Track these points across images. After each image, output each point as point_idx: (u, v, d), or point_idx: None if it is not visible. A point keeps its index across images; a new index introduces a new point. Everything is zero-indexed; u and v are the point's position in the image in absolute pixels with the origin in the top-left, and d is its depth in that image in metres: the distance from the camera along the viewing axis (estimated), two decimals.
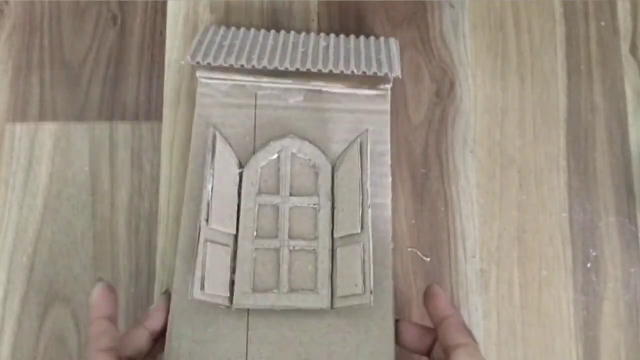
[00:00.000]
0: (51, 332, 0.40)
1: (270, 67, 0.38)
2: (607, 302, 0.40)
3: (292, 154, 0.38)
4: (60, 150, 0.43)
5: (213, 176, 0.36)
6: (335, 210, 0.37)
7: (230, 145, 0.38)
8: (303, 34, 0.41)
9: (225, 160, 0.37)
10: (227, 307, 0.35)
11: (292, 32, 0.42)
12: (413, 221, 0.41)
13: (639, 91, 0.44)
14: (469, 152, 0.42)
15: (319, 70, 0.38)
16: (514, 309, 0.40)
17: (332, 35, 0.42)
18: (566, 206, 0.42)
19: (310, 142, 0.38)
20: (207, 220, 0.35)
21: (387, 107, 0.40)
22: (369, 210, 0.35)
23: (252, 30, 0.42)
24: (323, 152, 0.38)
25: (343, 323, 0.35)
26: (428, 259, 0.41)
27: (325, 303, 0.35)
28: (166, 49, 0.44)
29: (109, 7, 0.45)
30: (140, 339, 0.33)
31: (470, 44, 0.44)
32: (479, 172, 0.42)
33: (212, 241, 0.35)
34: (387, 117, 0.39)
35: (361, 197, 0.35)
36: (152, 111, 0.43)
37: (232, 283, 0.35)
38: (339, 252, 0.36)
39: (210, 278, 0.33)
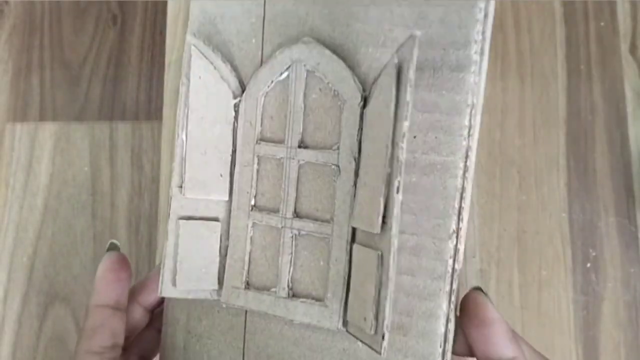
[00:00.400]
0: (51, 332, 0.40)
1: None
2: (606, 302, 0.40)
3: (308, 72, 0.24)
4: (60, 150, 0.43)
5: (188, 115, 0.24)
6: (358, 180, 0.23)
7: (227, 58, 0.25)
8: None
9: (208, 87, 0.24)
10: (216, 299, 0.26)
11: None
12: None
13: (639, 91, 0.44)
14: None
15: None
16: (514, 309, 0.40)
17: None
18: (566, 206, 0.42)
19: (339, 48, 0.23)
20: (180, 185, 0.24)
21: None
22: (398, 196, 0.20)
23: None
24: (356, 68, 0.23)
25: (363, 352, 0.24)
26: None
27: (335, 322, 0.23)
28: (166, 49, 0.44)
29: (109, 7, 0.45)
30: (134, 316, 0.27)
31: None
32: (479, 173, 0.42)
33: (189, 217, 0.25)
34: (491, 6, 0.23)
35: (389, 169, 0.21)
36: (152, 111, 0.43)
37: (223, 269, 0.25)
38: (355, 252, 0.23)
39: (185, 269, 0.24)
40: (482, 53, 0.21)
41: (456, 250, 0.22)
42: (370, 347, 0.21)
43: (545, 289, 0.41)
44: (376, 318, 0.21)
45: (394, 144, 0.20)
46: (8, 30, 0.45)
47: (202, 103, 0.24)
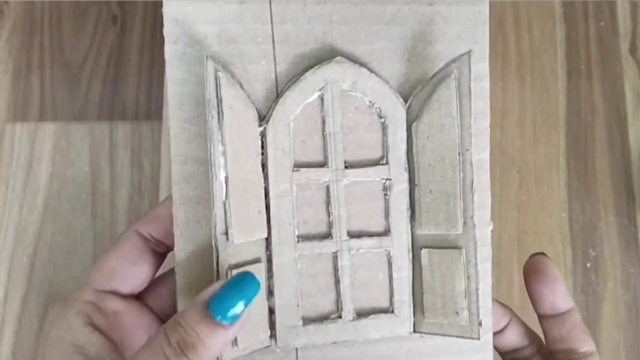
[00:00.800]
0: (53, 326, 0.40)
1: None
2: (606, 302, 0.40)
3: (343, 91, 0.23)
4: (60, 150, 0.43)
5: (225, 154, 0.21)
6: (417, 190, 0.24)
7: (238, 82, 0.23)
8: None
9: (239, 117, 0.22)
10: (267, 346, 0.23)
11: None
12: None
13: (639, 91, 0.44)
14: None
15: None
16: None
17: None
18: (566, 206, 0.42)
19: (369, 68, 0.23)
20: (226, 233, 0.21)
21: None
22: (475, 197, 0.23)
23: None
24: (390, 85, 0.24)
25: (428, 347, 0.25)
26: None
27: (407, 328, 0.24)
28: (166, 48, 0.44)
29: (109, 7, 0.45)
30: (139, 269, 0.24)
31: None
32: None
33: (236, 265, 0.22)
34: (486, 10, 0.24)
35: (462, 174, 0.23)
36: (152, 111, 0.43)
37: (270, 312, 0.23)
38: (425, 256, 0.24)
39: (246, 326, 0.21)
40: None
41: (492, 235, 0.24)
42: (462, 337, 0.23)
43: None
44: (470, 309, 0.23)
45: (463, 151, 0.22)
46: (8, 30, 0.45)
47: (236, 136, 0.21)
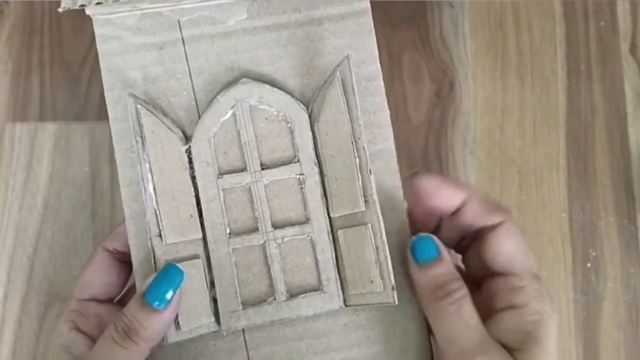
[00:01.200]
0: (51, 332, 0.40)
1: None
2: (606, 302, 0.40)
3: (252, 106, 0.27)
4: (60, 150, 0.43)
5: (151, 170, 0.26)
6: (326, 179, 0.27)
7: (163, 112, 0.27)
8: None
9: (161, 139, 0.27)
10: (215, 331, 0.27)
11: None
12: None
13: (639, 91, 0.44)
14: (469, 152, 0.42)
15: None
16: None
17: None
18: (566, 206, 0.42)
19: (272, 83, 0.27)
20: (159, 235, 0.26)
21: (366, 4, 0.28)
22: (372, 176, 0.26)
23: None
24: (292, 94, 0.27)
25: (362, 319, 0.27)
26: None
27: (336, 302, 0.27)
28: None
29: None
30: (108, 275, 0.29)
31: (470, 44, 0.44)
32: (479, 173, 0.42)
33: (175, 261, 0.26)
34: (369, 22, 0.28)
35: (357, 159, 0.26)
36: None
37: (214, 301, 0.27)
38: (341, 236, 0.27)
39: (185, 309, 0.26)
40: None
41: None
42: (380, 303, 0.26)
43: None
44: (382, 276, 0.25)
45: (355, 139, 0.26)
46: (8, 30, 0.45)
47: (160, 155, 0.26)
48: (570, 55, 0.44)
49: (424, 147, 0.42)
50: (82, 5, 0.27)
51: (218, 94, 0.27)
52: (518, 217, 0.41)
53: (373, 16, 0.44)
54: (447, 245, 0.27)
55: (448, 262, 0.25)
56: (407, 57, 0.44)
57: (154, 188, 0.26)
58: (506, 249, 0.26)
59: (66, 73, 0.44)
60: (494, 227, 0.26)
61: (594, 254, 0.41)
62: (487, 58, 0.44)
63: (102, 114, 0.43)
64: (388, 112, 0.28)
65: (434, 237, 0.26)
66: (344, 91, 0.26)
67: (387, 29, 0.44)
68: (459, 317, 0.24)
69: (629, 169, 0.42)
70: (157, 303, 0.24)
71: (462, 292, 0.25)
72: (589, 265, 0.41)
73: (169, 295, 0.24)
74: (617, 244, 0.41)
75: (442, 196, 0.27)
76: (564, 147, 0.43)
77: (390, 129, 0.28)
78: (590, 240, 0.41)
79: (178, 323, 0.26)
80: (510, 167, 0.42)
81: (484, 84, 0.44)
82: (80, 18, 0.45)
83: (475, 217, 0.27)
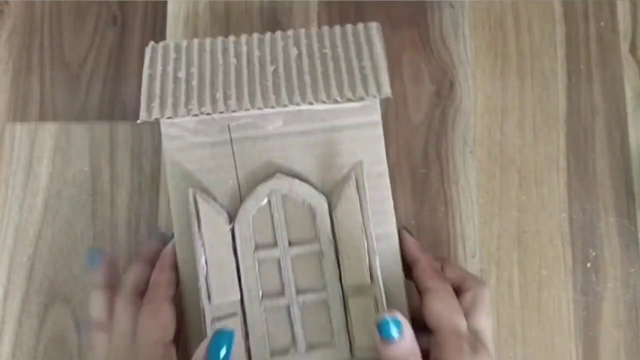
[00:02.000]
0: (51, 332, 0.40)
1: (241, 110, 0.34)
2: (606, 302, 0.40)
3: (283, 195, 0.34)
4: (60, 150, 0.43)
5: (204, 246, 0.33)
6: (340, 256, 0.33)
7: (214, 198, 0.34)
8: (267, 36, 0.36)
9: (212, 221, 0.33)
10: None
11: (255, 36, 0.36)
12: (413, 221, 0.41)
13: (639, 91, 0.44)
14: (469, 152, 0.42)
15: (297, 102, 0.34)
16: (514, 309, 0.40)
17: (302, 34, 0.36)
18: (566, 206, 0.42)
19: (301, 178, 0.34)
20: (208, 297, 0.32)
21: (378, 117, 0.35)
22: (377, 258, 0.32)
23: (208, 42, 0.36)
24: (316, 187, 0.34)
25: None
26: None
27: (345, 355, 0.33)
28: None
29: (109, 7, 0.45)
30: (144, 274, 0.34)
31: (470, 44, 0.44)
32: (479, 172, 0.42)
33: (219, 318, 0.32)
34: (379, 130, 0.35)
35: (366, 244, 0.32)
36: None
37: (247, 350, 0.33)
38: (351, 302, 0.33)
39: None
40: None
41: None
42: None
43: (545, 289, 0.41)
44: None
45: (365, 227, 0.33)
46: (8, 30, 0.45)
47: (210, 234, 0.33)
48: (570, 55, 0.44)
49: (424, 147, 0.42)
50: (156, 119, 0.34)
51: (257, 184, 0.34)
52: (518, 217, 0.42)
53: (373, 16, 0.44)
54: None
55: (408, 340, 0.29)
56: (407, 57, 0.44)
57: (206, 260, 0.32)
58: (432, 310, 0.31)
59: (66, 73, 0.44)
60: (428, 291, 0.32)
61: (594, 254, 0.41)
62: (487, 58, 0.44)
63: (102, 114, 0.43)
64: (392, 202, 0.34)
65: (398, 317, 0.29)
66: (357, 189, 0.33)
67: (387, 29, 0.44)
68: None
69: (629, 169, 0.42)
70: None
71: None
72: (589, 265, 0.41)
73: (224, 353, 0.29)
74: (617, 244, 0.41)
75: (405, 251, 0.34)
76: (564, 147, 0.43)
77: (393, 214, 0.34)
78: (590, 240, 0.41)
79: None
80: (510, 167, 0.42)
81: (484, 84, 0.44)
82: (80, 18, 0.45)
83: (417, 278, 0.33)
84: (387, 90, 0.34)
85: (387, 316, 0.29)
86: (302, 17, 0.45)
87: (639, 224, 0.42)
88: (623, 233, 0.41)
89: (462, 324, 0.31)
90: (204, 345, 0.29)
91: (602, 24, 0.45)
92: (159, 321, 0.31)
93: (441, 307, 0.31)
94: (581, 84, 0.44)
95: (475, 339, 0.31)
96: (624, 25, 0.44)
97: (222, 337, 0.29)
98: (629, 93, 0.43)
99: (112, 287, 0.34)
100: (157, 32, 0.45)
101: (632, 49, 0.44)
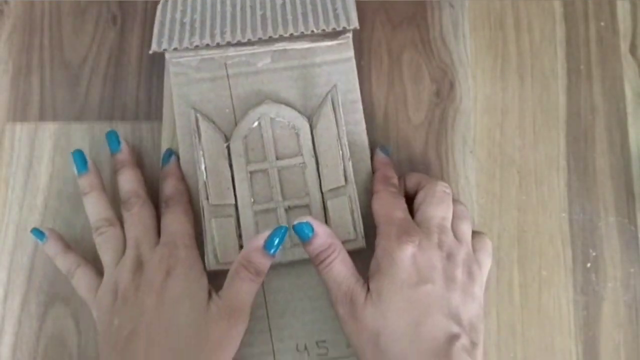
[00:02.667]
0: (51, 332, 0.40)
1: (234, 41, 0.40)
2: (606, 302, 0.40)
3: (271, 119, 0.40)
4: (60, 150, 0.43)
5: (204, 156, 0.39)
6: (320, 166, 0.39)
7: (213, 121, 0.40)
8: None
9: (211, 137, 0.40)
10: None
11: None
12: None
13: (639, 91, 0.44)
14: (469, 152, 0.42)
15: (280, 36, 0.40)
16: (514, 309, 0.40)
17: None
18: (566, 206, 0.42)
19: (286, 104, 0.40)
20: (207, 198, 0.38)
21: (351, 53, 0.41)
22: (350, 163, 0.38)
23: None
24: (299, 111, 0.40)
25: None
26: None
27: None
28: None
29: (109, 7, 0.45)
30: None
31: (470, 44, 0.44)
32: (479, 172, 0.42)
33: (216, 216, 0.38)
34: (353, 64, 0.41)
35: (341, 152, 0.39)
36: (152, 111, 0.43)
37: (241, 247, 0.38)
38: (329, 204, 0.39)
39: (221, 249, 0.38)
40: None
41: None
42: (355, 248, 0.37)
43: (545, 289, 0.41)
44: (355, 229, 0.38)
45: (340, 139, 0.39)
46: (8, 30, 0.45)
47: (209, 147, 0.39)
48: (570, 55, 0.44)
49: (424, 147, 0.42)
50: (164, 49, 0.40)
51: (249, 110, 0.40)
52: (518, 217, 0.41)
53: (373, 17, 0.44)
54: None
55: (321, 236, 0.35)
56: (407, 57, 0.44)
57: (205, 167, 0.39)
58: (373, 209, 0.37)
59: (66, 73, 0.44)
60: (374, 195, 0.38)
61: (594, 254, 0.41)
62: (487, 58, 0.44)
63: (102, 114, 0.43)
64: (364, 123, 0.41)
65: (309, 220, 0.35)
66: (333, 107, 0.39)
67: (387, 29, 0.44)
68: (330, 274, 0.35)
69: (629, 169, 0.42)
70: (272, 251, 0.35)
71: (332, 256, 0.35)
72: (589, 265, 0.41)
73: (278, 245, 0.35)
74: (617, 244, 0.41)
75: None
76: (564, 147, 0.43)
77: (365, 134, 0.40)
78: (590, 240, 0.41)
79: (217, 256, 0.38)
80: (510, 167, 0.42)
81: (484, 84, 0.44)
82: (80, 18, 0.45)
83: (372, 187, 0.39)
84: (354, 22, 0.40)
85: (298, 221, 0.35)
86: None
87: (639, 224, 0.42)
88: (623, 233, 0.41)
89: (396, 214, 0.36)
90: (265, 234, 0.35)
91: (602, 24, 0.45)
92: (190, 219, 0.38)
93: (378, 205, 0.37)
94: (581, 84, 0.44)
95: (408, 223, 0.35)
96: (624, 25, 0.44)
97: (281, 231, 0.35)
98: (629, 93, 0.43)
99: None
100: None
101: (632, 49, 0.44)
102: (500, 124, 0.43)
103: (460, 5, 0.45)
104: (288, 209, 0.39)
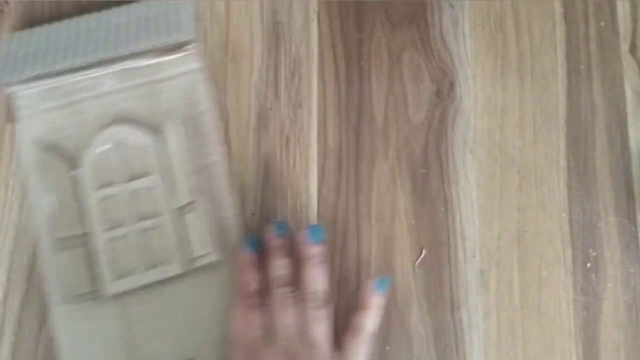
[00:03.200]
0: (51, 332, 0.40)
1: (75, 66, 0.40)
2: (606, 302, 0.40)
3: (119, 140, 0.40)
4: None
5: (48, 189, 0.39)
6: (171, 183, 0.40)
7: (61, 150, 0.40)
8: (100, 14, 0.43)
9: (56, 168, 0.40)
10: (98, 298, 0.39)
11: (95, 14, 0.43)
12: (413, 221, 0.41)
13: (639, 91, 0.44)
14: (469, 152, 0.42)
15: (122, 55, 0.40)
16: (514, 309, 0.40)
17: (130, 6, 0.43)
18: (566, 206, 0.42)
19: (135, 123, 0.40)
20: (53, 232, 0.39)
21: (197, 64, 0.42)
22: (197, 178, 0.39)
23: (58, 24, 0.43)
24: (148, 129, 0.40)
25: (202, 282, 0.39)
26: (425, 252, 0.41)
27: (182, 268, 0.39)
28: None
29: (109, 7, 0.45)
30: None
31: (470, 44, 0.44)
32: (479, 173, 0.42)
33: (64, 249, 0.39)
34: (200, 75, 0.41)
35: (187, 166, 0.39)
36: None
37: (93, 277, 0.38)
38: (182, 220, 0.39)
39: (73, 282, 0.38)
40: None
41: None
42: (211, 263, 0.39)
43: (545, 289, 0.41)
44: (209, 243, 0.39)
45: (187, 159, 0.40)
46: (8, 30, 0.45)
47: (55, 178, 0.40)
48: (570, 55, 0.44)
49: (424, 147, 0.42)
50: (5, 83, 0.40)
51: (97, 133, 0.40)
52: (518, 217, 0.41)
53: (373, 16, 0.44)
54: None
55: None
56: (407, 57, 0.44)
57: (51, 200, 0.39)
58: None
59: None
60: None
61: (594, 254, 0.41)
62: (487, 58, 0.44)
63: None
64: (215, 135, 0.41)
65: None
66: (179, 122, 0.40)
67: (387, 29, 0.44)
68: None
69: (629, 169, 0.42)
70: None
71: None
72: (589, 265, 0.41)
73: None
74: (617, 244, 0.41)
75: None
76: (564, 147, 0.43)
77: (218, 145, 0.41)
78: (590, 240, 0.41)
79: (66, 291, 0.38)
80: (510, 167, 0.42)
81: (484, 84, 0.44)
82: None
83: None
84: (189, 34, 0.40)
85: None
86: (302, 17, 0.45)
87: (639, 224, 0.42)
88: (623, 233, 0.41)
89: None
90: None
91: (602, 24, 0.45)
92: None
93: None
94: (581, 84, 0.44)
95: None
96: (624, 26, 0.44)
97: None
98: (629, 93, 0.43)
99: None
100: None
101: (632, 49, 0.44)
102: (500, 124, 0.43)
103: (460, 5, 0.45)
104: (142, 231, 0.39)
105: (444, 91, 0.43)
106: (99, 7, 0.44)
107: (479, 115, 0.43)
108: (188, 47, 0.41)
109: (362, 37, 0.44)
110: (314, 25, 0.44)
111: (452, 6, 0.45)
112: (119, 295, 0.39)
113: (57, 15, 0.45)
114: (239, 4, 0.45)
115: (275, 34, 0.44)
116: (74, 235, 0.39)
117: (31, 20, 0.45)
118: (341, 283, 0.40)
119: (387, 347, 0.40)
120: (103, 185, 0.40)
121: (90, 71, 0.41)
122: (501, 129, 0.43)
